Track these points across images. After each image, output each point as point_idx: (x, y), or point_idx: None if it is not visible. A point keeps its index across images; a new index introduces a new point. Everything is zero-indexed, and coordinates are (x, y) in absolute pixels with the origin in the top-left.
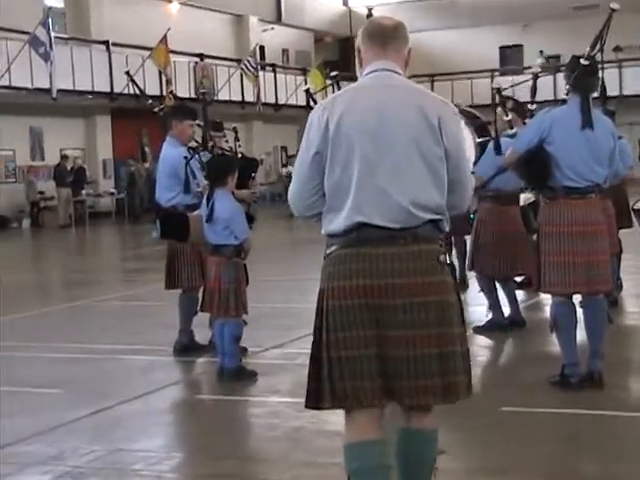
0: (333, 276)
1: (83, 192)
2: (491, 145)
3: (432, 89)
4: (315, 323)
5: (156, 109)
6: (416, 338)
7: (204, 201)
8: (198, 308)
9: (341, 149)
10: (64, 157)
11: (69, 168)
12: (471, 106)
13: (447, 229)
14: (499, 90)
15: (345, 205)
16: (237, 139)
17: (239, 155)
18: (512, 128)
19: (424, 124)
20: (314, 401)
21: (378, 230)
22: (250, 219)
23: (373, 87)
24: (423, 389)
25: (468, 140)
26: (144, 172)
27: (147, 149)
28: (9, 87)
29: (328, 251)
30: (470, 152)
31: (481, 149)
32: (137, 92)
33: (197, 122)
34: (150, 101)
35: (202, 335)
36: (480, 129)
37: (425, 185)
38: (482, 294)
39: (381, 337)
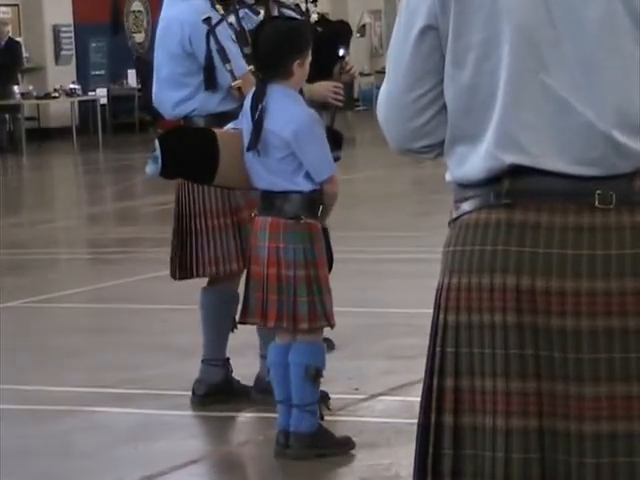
0: (458, 264)
1: (16, 89)
2: None
3: None
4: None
5: None
6: (616, 401)
7: (246, 106)
8: (237, 316)
9: (475, 19)
10: None
11: None
12: None
13: None
14: None
15: (486, 131)
16: None
17: (313, 17)
18: None
19: None
20: None
21: (552, 179)
22: (335, 139)
23: None
24: None
25: None
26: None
27: (141, 6)
28: None
29: (455, 214)
30: None
31: None
32: None
33: None
34: None
35: (245, 369)
36: None
37: None
38: None
39: (546, 394)
